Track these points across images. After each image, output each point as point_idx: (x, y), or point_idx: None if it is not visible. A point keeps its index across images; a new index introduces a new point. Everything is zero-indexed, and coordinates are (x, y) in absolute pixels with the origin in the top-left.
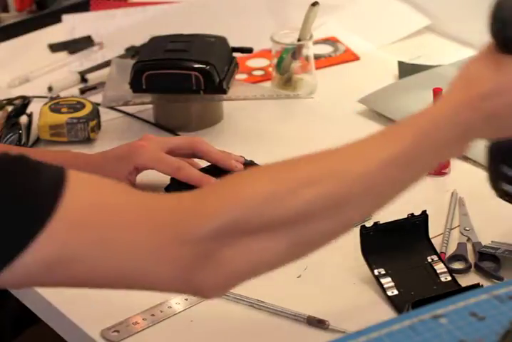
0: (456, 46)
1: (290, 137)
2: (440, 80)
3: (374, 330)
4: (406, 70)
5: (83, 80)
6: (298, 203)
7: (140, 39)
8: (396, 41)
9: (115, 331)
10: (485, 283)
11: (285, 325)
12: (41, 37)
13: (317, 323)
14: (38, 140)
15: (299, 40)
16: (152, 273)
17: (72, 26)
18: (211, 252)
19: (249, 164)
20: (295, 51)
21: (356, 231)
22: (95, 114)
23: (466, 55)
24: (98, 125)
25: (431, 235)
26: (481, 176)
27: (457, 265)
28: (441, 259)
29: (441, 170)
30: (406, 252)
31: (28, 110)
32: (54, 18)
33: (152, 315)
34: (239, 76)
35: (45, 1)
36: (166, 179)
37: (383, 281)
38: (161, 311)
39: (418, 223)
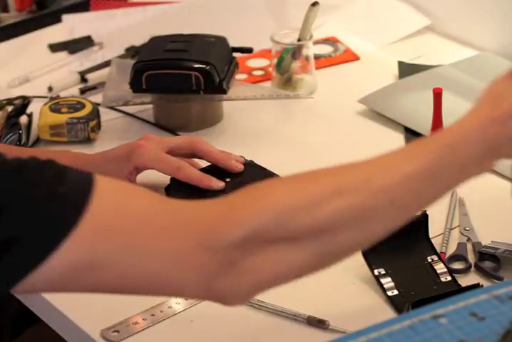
0: (456, 46)
1: (290, 137)
2: (440, 80)
3: (374, 330)
4: (406, 70)
5: (83, 80)
6: (323, 214)
7: (140, 39)
8: (396, 41)
9: (115, 331)
10: (485, 283)
11: (285, 325)
12: (41, 37)
13: (317, 323)
14: (38, 140)
15: (299, 40)
16: (177, 279)
17: (72, 25)
18: (235, 260)
19: (249, 164)
20: (295, 51)
21: None
22: (95, 114)
23: (465, 55)
24: (98, 125)
25: (431, 235)
26: (481, 176)
27: (457, 265)
28: (441, 259)
29: None
30: (406, 252)
31: (28, 110)
32: (54, 18)
33: (152, 315)
34: (239, 76)
35: (45, 1)
36: (166, 179)
37: (383, 281)
38: (161, 311)
39: (418, 223)
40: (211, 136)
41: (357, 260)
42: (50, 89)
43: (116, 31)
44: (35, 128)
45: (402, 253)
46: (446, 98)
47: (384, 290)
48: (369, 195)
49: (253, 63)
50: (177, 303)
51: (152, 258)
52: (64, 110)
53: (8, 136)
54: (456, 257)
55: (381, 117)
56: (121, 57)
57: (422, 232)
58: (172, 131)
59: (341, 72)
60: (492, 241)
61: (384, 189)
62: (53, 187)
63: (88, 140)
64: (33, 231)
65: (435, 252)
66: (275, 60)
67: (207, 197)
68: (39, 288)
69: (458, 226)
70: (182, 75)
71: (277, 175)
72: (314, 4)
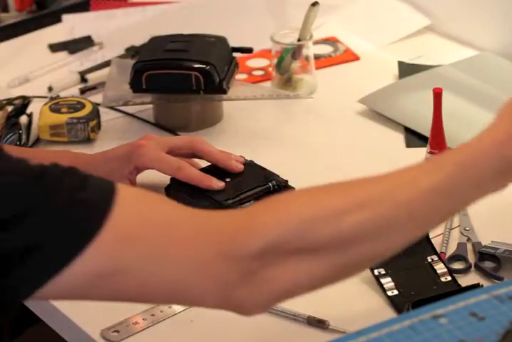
0: (456, 46)
1: (290, 137)
2: (440, 80)
3: (374, 330)
4: (406, 70)
5: (83, 80)
6: (345, 226)
7: (140, 39)
8: (396, 41)
9: (115, 331)
10: (485, 283)
11: (285, 325)
12: (41, 37)
13: (317, 323)
14: (38, 140)
15: (299, 40)
16: (196, 288)
17: (72, 25)
18: (255, 270)
19: (249, 164)
20: (295, 51)
21: None
22: (95, 114)
23: (466, 55)
24: (98, 125)
25: (431, 235)
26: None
27: (457, 265)
28: (441, 259)
29: None
30: (406, 252)
31: (28, 110)
32: (54, 18)
33: (152, 315)
34: (239, 76)
35: (45, 1)
36: (166, 179)
37: (383, 281)
38: (161, 311)
39: None
40: (211, 136)
41: None
42: (50, 89)
43: (116, 31)
44: (35, 128)
45: (402, 253)
46: (446, 98)
47: (384, 290)
48: (391, 208)
49: (253, 63)
50: None
51: (172, 266)
52: (64, 110)
53: (8, 136)
54: (456, 257)
55: (381, 117)
56: (121, 57)
57: None
58: (172, 131)
59: (341, 72)
60: (492, 241)
61: (405, 202)
62: (75, 194)
63: (88, 140)
64: (55, 238)
65: (435, 252)
66: (275, 60)
67: (207, 196)
68: (59, 296)
69: (458, 226)
70: (182, 75)
71: (277, 175)
72: (314, 4)
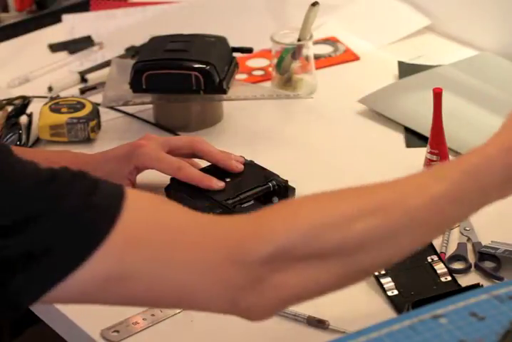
0: (456, 46)
1: (290, 137)
2: (440, 80)
3: (374, 330)
4: (406, 70)
5: (83, 80)
6: (355, 232)
7: (140, 39)
8: (396, 41)
9: (115, 331)
10: (485, 283)
11: (285, 325)
12: (41, 37)
13: (317, 323)
14: (38, 140)
15: (299, 40)
16: (203, 292)
17: (72, 25)
18: (263, 276)
19: (249, 164)
20: (295, 51)
21: None
22: (95, 114)
23: (466, 55)
24: (98, 125)
25: None
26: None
27: (457, 265)
28: (441, 259)
29: None
30: None
31: (28, 110)
32: (54, 18)
33: (152, 315)
34: (239, 76)
35: (45, 1)
36: (166, 179)
37: (383, 281)
38: (161, 311)
39: None
40: (211, 136)
41: None
42: (50, 89)
43: (116, 31)
44: (35, 128)
45: None
46: (446, 98)
47: (384, 290)
48: (400, 214)
49: (253, 63)
50: None
51: (180, 270)
52: (64, 110)
53: (8, 136)
54: (456, 257)
55: (381, 117)
56: (121, 57)
57: None
58: (172, 131)
59: (341, 72)
60: (492, 241)
61: (414, 209)
62: (85, 198)
63: (88, 140)
64: (64, 242)
65: (435, 252)
66: (275, 60)
67: (207, 196)
68: (67, 300)
69: (458, 226)
70: (182, 75)
71: (277, 175)
72: (314, 4)
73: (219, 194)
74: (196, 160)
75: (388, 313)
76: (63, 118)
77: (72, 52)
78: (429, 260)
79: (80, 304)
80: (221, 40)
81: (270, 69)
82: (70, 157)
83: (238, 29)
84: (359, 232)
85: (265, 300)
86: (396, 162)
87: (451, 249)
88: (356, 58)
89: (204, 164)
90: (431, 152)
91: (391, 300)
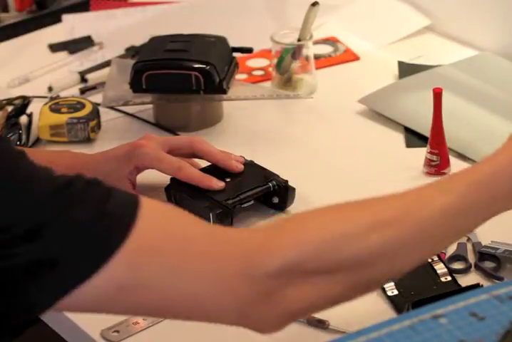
0: (456, 46)
1: (290, 137)
2: (440, 80)
3: (374, 330)
4: (406, 70)
5: (83, 80)
6: (368, 244)
7: (140, 39)
8: (396, 41)
9: (115, 331)
10: (485, 283)
11: None
12: (41, 37)
13: (317, 323)
14: (38, 140)
15: (299, 40)
16: (213, 302)
17: (72, 25)
18: (272, 290)
19: (249, 164)
20: (295, 51)
21: None
22: (95, 114)
23: (466, 55)
24: (98, 125)
25: None
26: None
27: (457, 265)
28: (441, 259)
29: (440, 170)
30: None
31: (28, 110)
32: (54, 18)
33: None
34: (239, 76)
35: (45, 1)
36: (166, 179)
37: None
38: None
39: None
40: (211, 136)
41: None
42: (50, 89)
43: (116, 31)
44: (35, 128)
45: None
46: (446, 98)
47: (384, 290)
48: (410, 226)
49: (253, 63)
50: None
51: (191, 279)
52: (64, 110)
53: (8, 136)
54: (456, 257)
55: (381, 117)
56: (121, 57)
57: None
58: (172, 131)
59: (341, 72)
60: (492, 241)
61: (422, 221)
62: (99, 206)
63: (88, 140)
64: (78, 250)
65: None
66: (275, 60)
67: (208, 196)
68: (80, 308)
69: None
70: (182, 75)
71: (277, 175)
72: (314, 4)
73: (220, 194)
74: (196, 160)
75: (388, 313)
76: (63, 118)
77: (72, 52)
78: (429, 260)
79: (91, 313)
80: (221, 40)
81: (270, 69)
82: (70, 157)
83: (238, 29)
84: (374, 243)
85: (274, 313)
86: (396, 162)
87: (451, 249)
88: (356, 58)
89: (204, 164)
90: (431, 152)
91: (391, 300)
